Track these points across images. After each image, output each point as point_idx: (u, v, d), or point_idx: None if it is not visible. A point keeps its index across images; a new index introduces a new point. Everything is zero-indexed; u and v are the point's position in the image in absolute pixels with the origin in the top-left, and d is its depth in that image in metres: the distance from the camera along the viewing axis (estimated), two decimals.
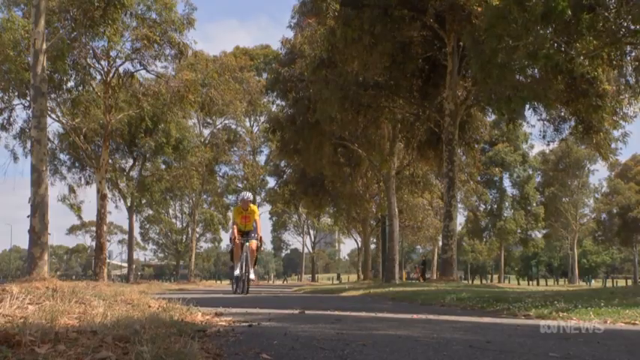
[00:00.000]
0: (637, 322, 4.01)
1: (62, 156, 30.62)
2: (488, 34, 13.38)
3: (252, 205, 10.92)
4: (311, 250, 60.43)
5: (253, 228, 10.69)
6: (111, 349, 2.08)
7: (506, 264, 62.40)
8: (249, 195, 10.98)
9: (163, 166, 33.56)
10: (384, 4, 16.28)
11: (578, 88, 15.53)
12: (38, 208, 13.45)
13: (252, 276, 10.60)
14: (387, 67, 17.91)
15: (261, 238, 10.76)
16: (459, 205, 42.25)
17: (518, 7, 12.30)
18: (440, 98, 18.76)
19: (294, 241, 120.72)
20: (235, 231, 10.55)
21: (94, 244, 30.72)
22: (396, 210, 23.58)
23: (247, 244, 10.43)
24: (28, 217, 13.56)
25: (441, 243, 22.43)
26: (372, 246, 42.43)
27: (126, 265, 40.02)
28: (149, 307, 4.01)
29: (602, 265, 75.92)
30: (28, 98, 21.69)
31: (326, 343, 2.56)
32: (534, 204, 51.42)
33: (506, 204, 51.15)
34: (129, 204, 34.33)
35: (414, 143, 21.97)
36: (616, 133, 18.13)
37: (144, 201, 36.52)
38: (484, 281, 56.69)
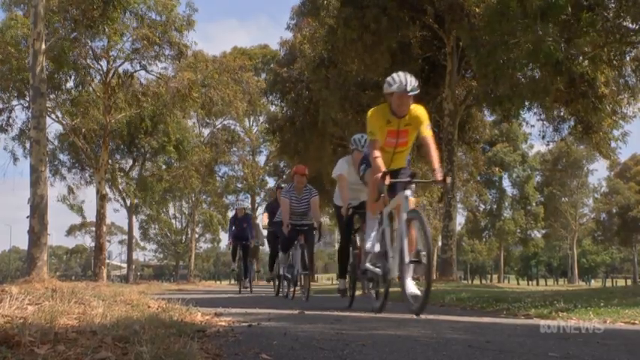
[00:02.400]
0: (637, 321, 4.01)
1: (62, 156, 30.67)
2: (487, 32, 13.40)
3: (414, 105, 4.70)
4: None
5: (407, 163, 5.10)
6: (110, 350, 2.08)
7: (506, 264, 62.43)
8: (413, 81, 4.57)
9: (163, 167, 33.59)
10: (383, 5, 16.31)
11: (578, 88, 15.55)
12: (37, 209, 13.45)
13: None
14: (387, 67, 17.93)
15: (445, 177, 4.52)
16: (459, 205, 42.23)
17: (518, 3, 12.32)
18: (439, 98, 18.78)
19: None
20: (380, 162, 4.54)
21: (93, 244, 30.74)
22: None
23: (405, 195, 4.50)
24: (27, 217, 13.56)
25: (440, 243, 22.44)
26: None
27: (125, 265, 40.01)
28: (148, 307, 4.01)
29: (601, 265, 75.95)
30: (27, 99, 21.72)
31: (325, 343, 2.56)
32: (534, 204, 51.45)
33: (506, 204, 51.17)
34: (128, 204, 34.34)
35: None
36: (615, 133, 18.15)
37: (145, 200, 36.53)
38: (484, 281, 56.69)
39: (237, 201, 44.79)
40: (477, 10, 14.98)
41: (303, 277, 7.94)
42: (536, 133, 75.72)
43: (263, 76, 36.90)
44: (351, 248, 6.08)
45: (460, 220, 52.18)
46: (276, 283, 9.92)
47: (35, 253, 13.32)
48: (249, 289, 12.43)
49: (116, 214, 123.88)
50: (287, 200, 7.96)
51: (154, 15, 22.64)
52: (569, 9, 12.19)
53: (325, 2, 17.83)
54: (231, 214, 50.07)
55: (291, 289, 8.34)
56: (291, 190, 8.08)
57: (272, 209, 9.87)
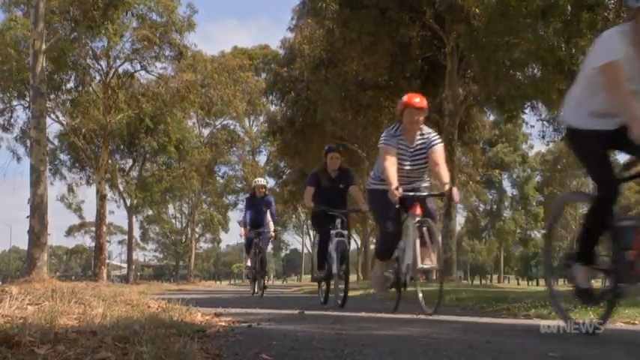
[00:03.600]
0: (636, 321, 4.01)
1: (62, 156, 30.71)
2: (487, 33, 13.41)
3: None
4: (310, 251, 60.42)
5: None
6: (110, 350, 2.08)
7: (506, 264, 62.49)
8: None
9: (163, 167, 33.62)
10: (382, 6, 16.31)
11: None
12: (37, 209, 13.46)
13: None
14: (387, 67, 17.94)
15: None
16: (459, 206, 42.25)
17: (518, 3, 12.34)
18: (439, 98, 18.79)
19: (293, 241, 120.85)
20: None
21: (93, 244, 30.77)
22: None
23: None
24: (27, 217, 13.57)
25: (440, 243, 22.47)
26: (372, 246, 42.46)
27: (125, 265, 40.02)
28: (148, 307, 4.01)
29: None
30: (28, 99, 21.74)
31: (325, 344, 2.56)
32: (534, 204, 51.49)
33: (506, 204, 51.22)
34: (128, 204, 34.37)
35: None
36: None
37: (145, 200, 36.55)
38: (484, 281, 56.74)
39: (255, 177, 38.84)
40: (477, 10, 14.98)
41: (421, 274, 4.90)
42: (536, 134, 75.73)
43: (263, 75, 36.91)
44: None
45: (460, 220, 52.24)
46: (323, 285, 6.69)
47: (35, 253, 13.33)
48: (259, 293, 9.76)
49: (114, 215, 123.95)
50: (393, 149, 4.75)
51: (155, 16, 22.69)
52: (570, 9, 12.21)
53: (324, 5, 17.86)
54: (234, 215, 49.99)
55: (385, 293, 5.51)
56: (398, 134, 4.86)
57: (318, 181, 6.61)
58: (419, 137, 4.86)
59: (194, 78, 26.01)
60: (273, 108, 32.29)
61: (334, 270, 6.01)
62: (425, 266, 4.60)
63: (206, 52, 35.11)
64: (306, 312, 4.80)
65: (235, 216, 49.04)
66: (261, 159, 44.26)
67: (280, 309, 5.44)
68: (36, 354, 1.93)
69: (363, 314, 4.91)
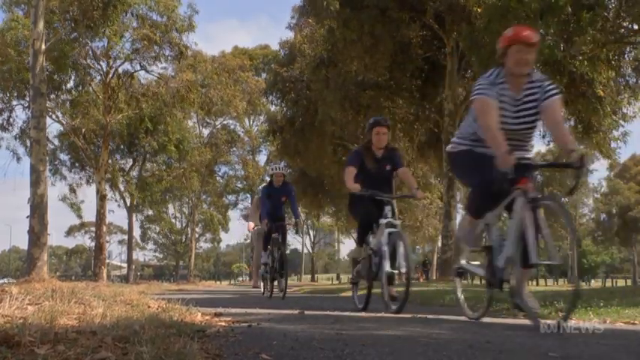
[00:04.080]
0: (636, 321, 4.02)
1: (62, 156, 30.75)
2: (487, 32, 13.40)
3: None
4: (310, 250, 60.50)
5: None
6: (110, 350, 2.08)
7: None
8: None
9: (163, 167, 33.64)
10: (382, 6, 16.32)
11: (578, 88, 15.58)
12: (37, 209, 13.46)
13: None
14: (387, 67, 17.95)
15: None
16: (459, 205, 42.18)
17: (518, 3, 12.34)
18: (439, 98, 18.79)
19: (293, 241, 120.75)
20: None
21: (93, 244, 30.77)
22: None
23: None
24: (27, 217, 13.58)
25: (440, 243, 22.45)
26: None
27: (125, 265, 40.04)
28: (148, 307, 4.01)
29: (601, 265, 75.96)
30: (28, 99, 21.75)
31: (325, 344, 2.56)
32: None
33: None
34: (128, 204, 34.39)
35: (414, 143, 22.02)
36: (616, 133, 18.15)
37: (145, 200, 36.59)
38: (483, 281, 56.67)
39: (271, 162, 33.24)
40: (478, 10, 14.98)
41: (530, 273, 3.83)
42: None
43: (263, 76, 36.92)
44: None
45: (460, 219, 52.17)
46: (358, 284, 5.80)
47: (35, 253, 13.33)
48: (280, 294, 8.23)
49: (114, 214, 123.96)
50: (493, 101, 3.48)
51: (155, 15, 22.70)
52: (569, 8, 12.21)
53: (325, 4, 17.86)
54: (234, 214, 49.72)
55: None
56: (499, 81, 3.59)
57: (361, 161, 5.42)
58: (527, 86, 3.52)
59: (194, 78, 26.04)
60: (273, 108, 32.27)
61: (386, 268, 4.90)
62: (542, 262, 3.25)
63: (206, 52, 35.19)
64: (306, 312, 4.80)
65: (236, 215, 49.15)
66: (261, 159, 44.30)
67: (280, 309, 5.43)
68: (36, 354, 1.93)
69: (362, 314, 4.91)
